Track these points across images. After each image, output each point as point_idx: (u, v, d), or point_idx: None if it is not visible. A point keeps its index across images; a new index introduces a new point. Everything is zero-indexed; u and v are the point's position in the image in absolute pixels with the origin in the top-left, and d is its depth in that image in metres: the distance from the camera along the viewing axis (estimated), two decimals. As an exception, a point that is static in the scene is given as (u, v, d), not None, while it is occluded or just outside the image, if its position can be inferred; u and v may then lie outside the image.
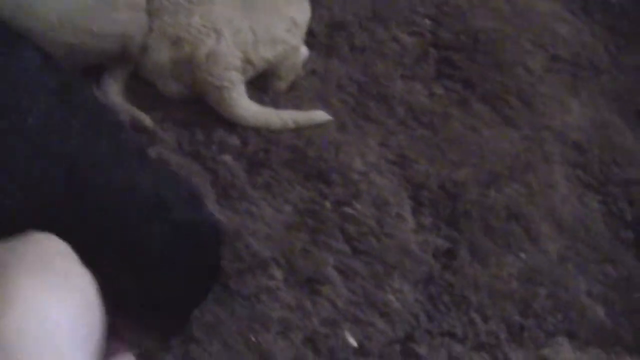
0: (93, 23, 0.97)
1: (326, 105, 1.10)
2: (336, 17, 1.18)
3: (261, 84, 1.09)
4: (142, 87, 1.06)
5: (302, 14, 1.08)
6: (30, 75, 0.76)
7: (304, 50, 1.11)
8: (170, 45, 1.01)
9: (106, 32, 0.98)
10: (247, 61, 1.02)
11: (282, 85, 1.09)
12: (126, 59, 1.03)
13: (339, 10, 1.18)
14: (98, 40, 0.99)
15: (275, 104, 1.08)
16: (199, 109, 1.06)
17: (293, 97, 1.10)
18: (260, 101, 1.07)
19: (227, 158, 1.03)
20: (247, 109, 1.03)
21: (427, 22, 1.21)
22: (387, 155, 1.07)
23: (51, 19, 0.94)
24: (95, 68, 1.04)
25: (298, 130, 1.05)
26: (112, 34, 0.99)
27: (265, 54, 1.03)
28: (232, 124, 1.05)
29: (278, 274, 0.95)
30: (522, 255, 1.04)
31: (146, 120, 1.03)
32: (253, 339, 0.91)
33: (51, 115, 0.65)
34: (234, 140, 1.04)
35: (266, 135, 1.04)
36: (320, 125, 1.07)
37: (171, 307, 0.60)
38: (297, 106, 1.09)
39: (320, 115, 1.07)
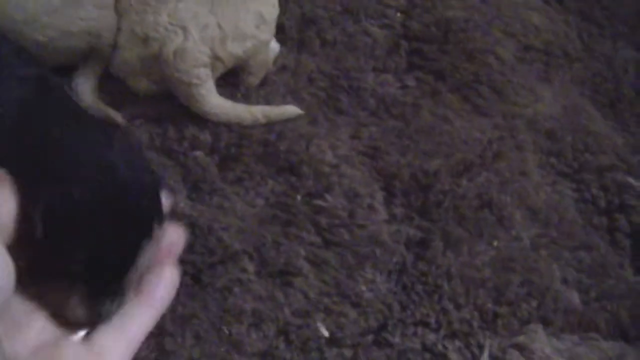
0: (60, 21, 0.98)
1: (297, 100, 1.10)
2: (306, 12, 1.18)
3: (233, 80, 1.09)
4: (113, 85, 1.07)
5: (271, 8, 1.08)
6: (8, 68, 0.76)
7: (274, 45, 1.12)
8: (139, 43, 1.02)
9: (73, 30, 0.99)
10: (216, 57, 1.02)
11: (253, 80, 1.09)
12: (97, 57, 1.04)
13: (308, 5, 1.19)
14: (66, 38, 0.99)
15: (247, 99, 1.09)
16: (171, 105, 1.06)
17: (265, 92, 1.10)
18: (233, 97, 1.08)
19: (199, 154, 1.03)
20: (217, 105, 1.03)
21: (398, 14, 1.21)
22: (359, 147, 1.08)
23: (18, 18, 0.95)
24: (67, 67, 1.05)
25: (269, 124, 1.06)
26: (80, 31, 0.99)
27: (234, 49, 1.03)
28: (203, 120, 1.05)
29: (250, 266, 0.96)
30: (495, 243, 1.04)
31: (118, 117, 1.04)
32: (226, 331, 0.91)
33: (32, 108, 0.64)
34: (206, 136, 1.04)
35: (238, 130, 1.05)
36: (291, 120, 1.07)
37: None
38: (269, 101, 1.09)
39: (291, 110, 1.07)
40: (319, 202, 1.01)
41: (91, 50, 1.02)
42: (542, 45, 1.27)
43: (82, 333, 0.50)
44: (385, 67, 1.16)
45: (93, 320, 0.50)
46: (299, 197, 1.01)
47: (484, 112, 1.15)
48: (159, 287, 0.53)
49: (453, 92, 1.16)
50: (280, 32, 1.14)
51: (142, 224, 0.53)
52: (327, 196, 1.02)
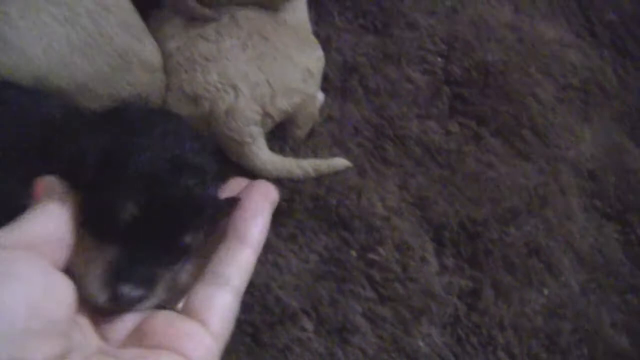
0: (110, 87, 0.98)
1: (344, 151, 1.11)
2: (348, 59, 1.19)
3: (280, 134, 1.10)
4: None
5: (317, 62, 1.08)
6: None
7: (320, 97, 1.12)
8: (189, 102, 1.02)
9: (123, 95, 0.99)
10: (266, 114, 1.03)
11: (301, 133, 1.10)
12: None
13: (349, 52, 1.19)
14: (116, 102, 1.00)
15: (296, 152, 1.09)
16: (221, 162, 1.07)
17: (312, 144, 1.11)
18: (281, 150, 1.08)
19: (251, 210, 1.04)
20: (269, 161, 1.04)
21: (438, 59, 1.22)
22: (407, 197, 1.09)
23: (68, 88, 0.95)
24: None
25: (319, 178, 1.06)
26: (129, 96, 1.00)
27: (283, 105, 1.04)
28: (254, 176, 1.06)
29: (308, 324, 0.97)
30: (545, 290, 1.06)
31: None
32: (288, 391, 0.93)
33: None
34: (257, 192, 1.05)
35: (288, 185, 1.05)
36: (340, 172, 1.08)
37: None
38: (317, 153, 1.10)
39: (340, 162, 1.07)
40: (372, 256, 1.02)
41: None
42: (580, 83, 1.28)
43: (181, 304, 0.45)
44: (428, 114, 1.17)
45: (112, 301, 0.44)
46: (352, 252, 1.02)
47: (527, 157, 1.17)
48: (254, 225, 0.47)
49: (495, 137, 1.17)
50: (323, 81, 1.14)
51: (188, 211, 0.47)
52: (380, 250, 1.03)
